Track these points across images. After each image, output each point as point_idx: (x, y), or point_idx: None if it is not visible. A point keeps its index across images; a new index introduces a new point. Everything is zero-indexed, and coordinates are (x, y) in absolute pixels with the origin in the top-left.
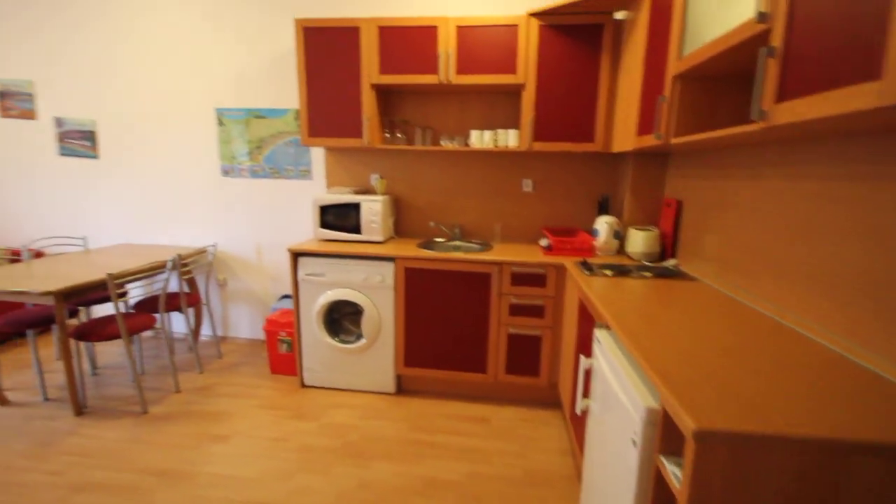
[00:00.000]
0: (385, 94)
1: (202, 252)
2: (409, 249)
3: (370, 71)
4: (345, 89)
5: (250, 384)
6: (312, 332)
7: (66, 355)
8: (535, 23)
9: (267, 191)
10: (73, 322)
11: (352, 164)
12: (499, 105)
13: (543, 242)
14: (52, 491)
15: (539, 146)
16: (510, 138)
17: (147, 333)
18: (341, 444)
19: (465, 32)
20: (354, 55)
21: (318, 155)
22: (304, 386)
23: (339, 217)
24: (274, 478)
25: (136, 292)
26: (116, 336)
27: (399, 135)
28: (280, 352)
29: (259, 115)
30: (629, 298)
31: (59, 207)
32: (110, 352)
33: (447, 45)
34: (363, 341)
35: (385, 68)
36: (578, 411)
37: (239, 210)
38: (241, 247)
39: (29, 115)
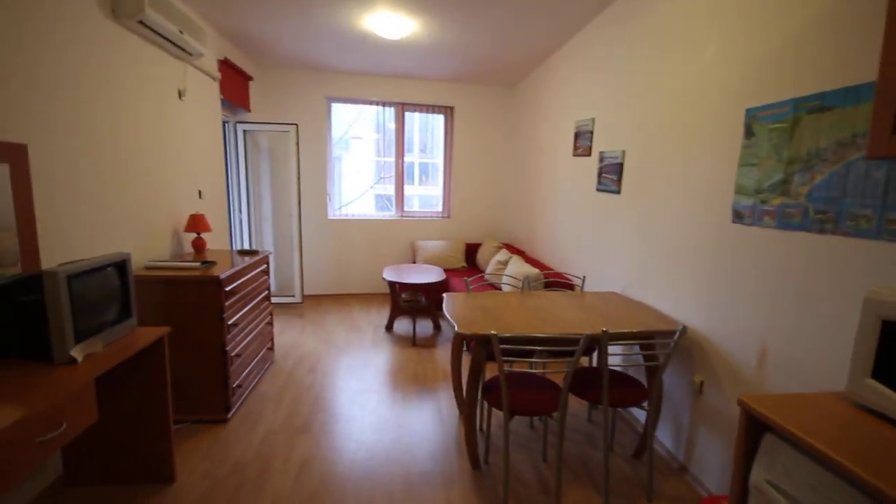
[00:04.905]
0: None
1: (669, 333)
2: None
3: None
4: None
5: None
6: None
7: (468, 404)
8: None
9: (802, 255)
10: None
11: None
12: None
13: None
14: None
15: None
16: None
17: None
18: None
19: None
20: None
21: None
22: None
23: None
24: None
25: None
26: (499, 406)
27: None
28: None
29: (820, 105)
30: None
31: (581, 243)
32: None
33: None
34: None
35: None
36: None
37: (745, 280)
38: (734, 339)
39: (587, 152)
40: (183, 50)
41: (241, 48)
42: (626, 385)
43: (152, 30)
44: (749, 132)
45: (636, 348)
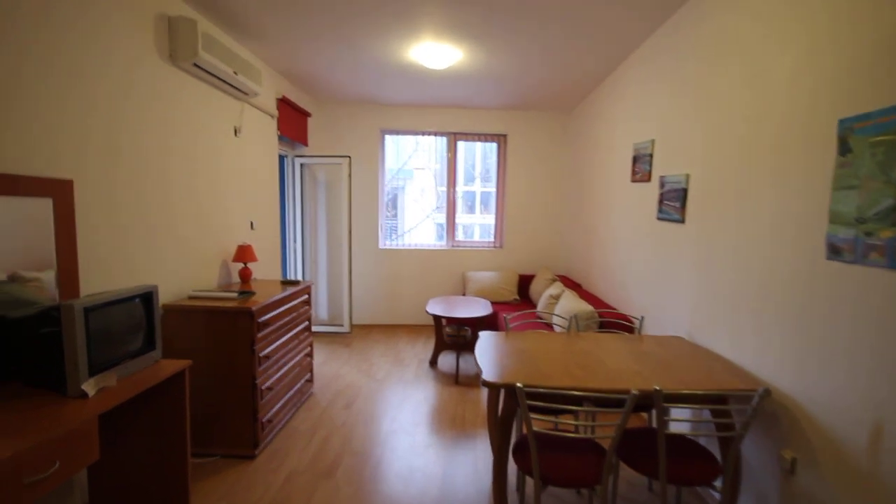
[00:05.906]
0: None
1: (746, 396)
2: None
3: None
4: None
5: None
6: None
7: (497, 463)
8: None
9: None
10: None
11: None
12: None
13: None
14: None
15: None
16: None
17: None
18: None
19: None
20: None
21: None
22: None
23: None
24: None
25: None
26: (531, 472)
27: None
28: None
29: None
30: None
31: (639, 277)
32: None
33: None
34: None
35: None
36: None
37: (848, 332)
38: (836, 408)
39: (646, 177)
40: (238, 90)
41: (298, 86)
42: (692, 456)
43: (207, 72)
44: (844, 147)
45: (706, 410)
